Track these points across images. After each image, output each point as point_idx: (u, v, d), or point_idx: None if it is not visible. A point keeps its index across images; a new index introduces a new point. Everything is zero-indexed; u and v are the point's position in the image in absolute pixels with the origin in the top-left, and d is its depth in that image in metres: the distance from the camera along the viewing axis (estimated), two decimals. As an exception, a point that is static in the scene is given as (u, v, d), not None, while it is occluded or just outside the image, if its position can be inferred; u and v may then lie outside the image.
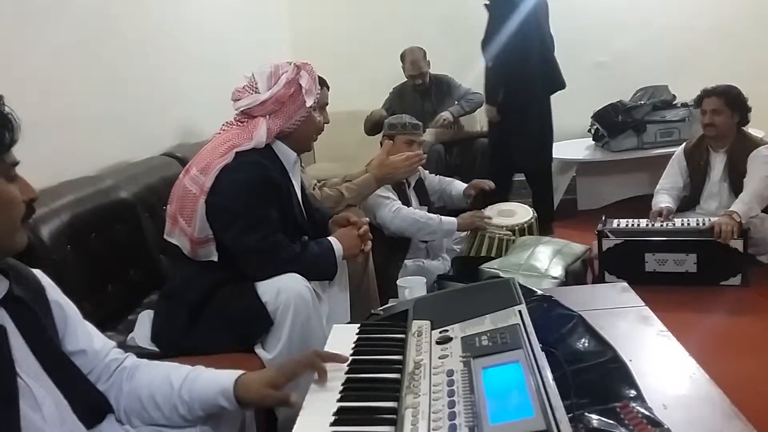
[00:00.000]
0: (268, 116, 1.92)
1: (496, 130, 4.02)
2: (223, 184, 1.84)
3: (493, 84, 3.98)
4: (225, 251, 1.90)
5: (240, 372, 1.24)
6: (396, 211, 2.87)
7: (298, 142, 2.02)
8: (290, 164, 2.01)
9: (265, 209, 1.87)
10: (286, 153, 1.99)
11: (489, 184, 3.29)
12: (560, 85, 4.03)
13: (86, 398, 1.17)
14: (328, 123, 2.16)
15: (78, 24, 2.35)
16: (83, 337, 1.23)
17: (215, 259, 1.91)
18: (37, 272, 1.19)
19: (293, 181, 2.03)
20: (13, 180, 1.05)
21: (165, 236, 1.98)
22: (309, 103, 1.95)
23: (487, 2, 3.89)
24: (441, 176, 3.45)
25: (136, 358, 1.33)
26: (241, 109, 1.94)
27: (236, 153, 1.86)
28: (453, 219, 3.01)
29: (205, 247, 1.90)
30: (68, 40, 2.29)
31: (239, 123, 1.95)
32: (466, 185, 3.33)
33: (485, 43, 3.91)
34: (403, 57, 4.55)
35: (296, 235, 1.99)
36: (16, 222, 1.04)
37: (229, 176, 1.85)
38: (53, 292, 1.20)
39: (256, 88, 1.93)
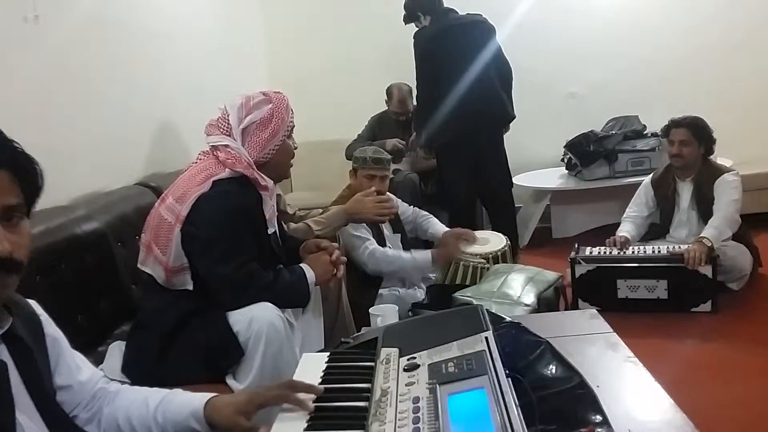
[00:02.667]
0: (241, 148, 1.92)
1: (465, 160, 3.97)
2: (199, 212, 1.84)
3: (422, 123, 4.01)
4: (200, 280, 1.89)
5: (212, 394, 1.24)
6: (369, 255, 2.88)
7: (274, 171, 2.02)
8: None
9: (240, 238, 1.87)
10: (262, 176, 1.96)
11: (471, 235, 3.22)
12: (506, 117, 4.00)
13: None
14: (296, 148, 2.14)
15: (51, 53, 2.36)
16: (73, 370, 1.22)
17: (190, 287, 1.90)
18: (33, 303, 1.18)
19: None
20: None
21: (139, 265, 1.97)
22: (281, 132, 1.97)
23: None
24: (416, 208, 3.42)
25: (121, 384, 1.33)
26: (212, 144, 1.95)
27: (213, 182, 1.87)
28: (427, 254, 3.01)
29: (180, 275, 1.89)
30: (41, 69, 2.30)
31: (215, 153, 1.95)
32: (445, 229, 3.28)
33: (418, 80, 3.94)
34: (390, 93, 4.57)
35: (271, 263, 1.99)
36: None
37: (206, 205, 1.85)
38: (48, 325, 1.19)
39: (228, 121, 1.94)
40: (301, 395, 1.18)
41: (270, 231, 2.01)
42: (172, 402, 1.24)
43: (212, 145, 1.95)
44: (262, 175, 1.95)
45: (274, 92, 2.01)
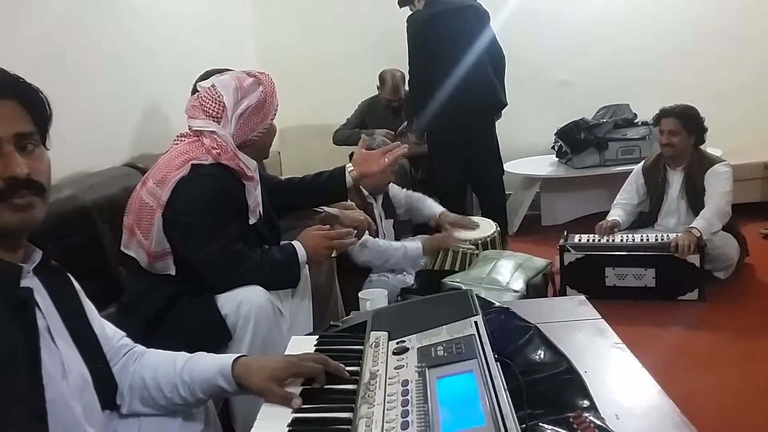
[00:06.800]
0: (228, 135, 1.89)
1: (457, 146, 3.98)
2: (180, 197, 1.81)
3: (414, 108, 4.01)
4: (183, 265, 1.87)
5: (241, 354, 1.26)
6: (361, 245, 2.86)
7: (258, 151, 2.02)
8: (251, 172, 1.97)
9: (223, 221, 1.85)
10: (246, 162, 1.94)
11: (468, 222, 3.21)
12: (499, 104, 4.00)
13: (105, 377, 1.18)
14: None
15: (39, 33, 2.32)
16: (97, 323, 1.24)
17: (173, 273, 1.88)
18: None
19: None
20: None
21: (122, 248, 1.94)
22: (270, 115, 1.97)
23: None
24: (408, 191, 3.41)
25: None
26: (197, 128, 1.90)
27: (192, 165, 1.83)
28: (417, 245, 2.99)
29: (162, 260, 1.87)
30: (27, 47, 2.26)
31: (199, 137, 1.90)
32: (441, 209, 3.26)
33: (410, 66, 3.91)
34: (382, 79, 4.53)
35: (258, 245, 1.96)
36: None
37: (186, 189, 1.82)
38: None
39: (221, 104, 1.88)
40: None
41: (252, 221, 1.97)
42: (200, 361, 1.27)
43: (197, 129, 1.90)
44: (247, 165, 1.92)
45: (261, 73, 1.98)
